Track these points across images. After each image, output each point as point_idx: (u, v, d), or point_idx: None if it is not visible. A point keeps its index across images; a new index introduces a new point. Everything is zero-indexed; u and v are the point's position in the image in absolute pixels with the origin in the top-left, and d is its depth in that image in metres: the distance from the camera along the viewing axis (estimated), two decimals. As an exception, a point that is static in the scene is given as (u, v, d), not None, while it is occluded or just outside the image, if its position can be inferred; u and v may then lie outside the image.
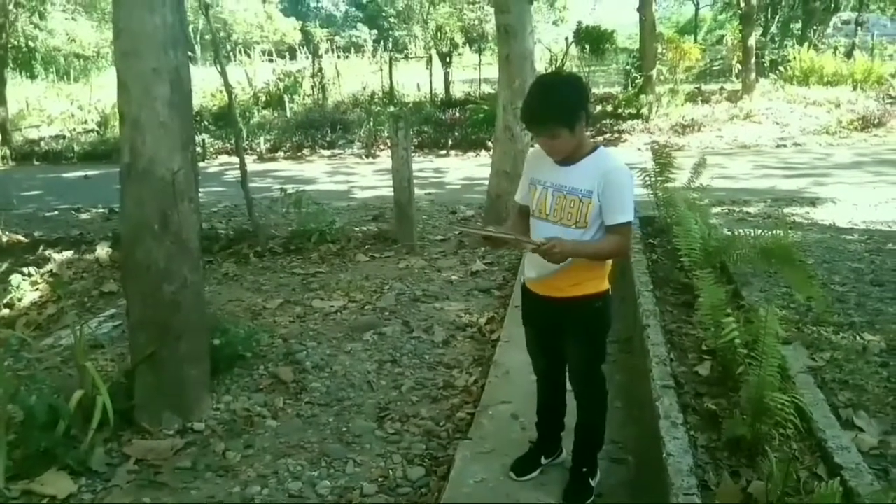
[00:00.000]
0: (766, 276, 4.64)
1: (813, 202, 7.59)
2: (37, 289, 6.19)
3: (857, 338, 3.78)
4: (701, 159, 5.71)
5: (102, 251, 6.71)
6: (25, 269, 6.28)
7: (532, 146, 2.74)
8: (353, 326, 4.52)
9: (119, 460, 3.07)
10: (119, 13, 3.09)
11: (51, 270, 6.45)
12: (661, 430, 2.46)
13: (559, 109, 2.25)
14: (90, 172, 11.71)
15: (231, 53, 21.98)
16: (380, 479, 2.91)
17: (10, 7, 14.07)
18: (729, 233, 4.69)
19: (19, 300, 6.06)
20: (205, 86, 15.51)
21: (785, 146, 11.80)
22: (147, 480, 2.93)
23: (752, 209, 7.35)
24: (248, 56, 21.33)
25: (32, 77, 21.84)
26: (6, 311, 5.81)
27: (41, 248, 6.97)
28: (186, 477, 2.96)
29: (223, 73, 5.97)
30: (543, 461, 2.80)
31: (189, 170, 3.25)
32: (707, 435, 2.60)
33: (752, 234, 4.36)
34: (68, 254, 6.78)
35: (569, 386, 2.71)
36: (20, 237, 7.39)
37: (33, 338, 4.71)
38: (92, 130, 15.66)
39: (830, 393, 3.13)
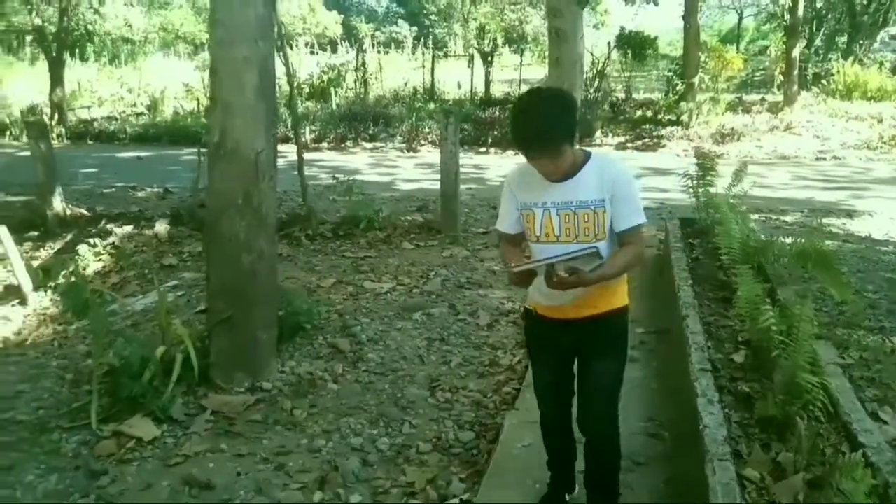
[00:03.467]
0: (801, 280, 4.79)
1: (850, 214, 7.67)
2: (100, 259, 6.59)
3: (887, 341, 3.94)
4: (741, 165, 5.86)
5: (161, 227, 7.07)
6: (91, 241, 6.68)
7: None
8: (402, 307, 4.80)
9: (196, 411, 3.40)
10: (217, 5, 3.41)
11: (113, 243, 6.83)
12: (698, 406, 2.68)
13: (561, 126, 2.08)
14: (143, 154, 12.16)
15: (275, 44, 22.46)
16: (434, 440, 3.19)
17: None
18: (766, 238, 4.86)
19: (84, 269, 6.46)
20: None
21: (824, 159, 11.81)
22: (223, 430, 3.25)
23: (788, 218, 7.46)
24: (291, 48, 21.80)
25: (83, 60, 22.56)
26: (73, 279, 6.20)
27: (102, 222, 7.35)
28: (258, 429, 3.27)
29: (286, 64, 6.29)
30: (567, 498, 2.68)
31: (270, 151, 3.55)
32: (740, 414, 2.82)
33: (790, 239, 4.53)
34: (128, 228, 7.15)
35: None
36: (83, 211, 7.79)
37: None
38: (142, 113, 16.19)
39: (858, 389, 3.31)
